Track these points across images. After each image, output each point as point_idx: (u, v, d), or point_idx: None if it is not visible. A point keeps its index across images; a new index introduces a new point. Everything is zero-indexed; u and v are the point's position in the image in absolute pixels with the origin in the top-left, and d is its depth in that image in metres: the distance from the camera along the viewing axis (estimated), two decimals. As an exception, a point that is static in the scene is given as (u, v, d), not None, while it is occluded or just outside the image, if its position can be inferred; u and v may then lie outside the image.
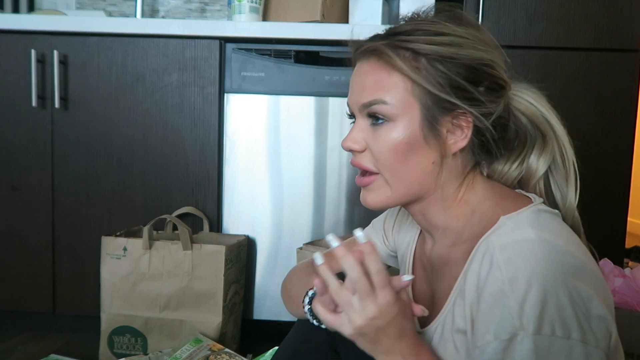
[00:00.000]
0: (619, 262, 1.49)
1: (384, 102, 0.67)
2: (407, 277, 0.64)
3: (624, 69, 1.49)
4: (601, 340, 0.59)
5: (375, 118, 0.69)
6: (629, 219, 1.56)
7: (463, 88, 0.66)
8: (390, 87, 0.68)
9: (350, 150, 0.72)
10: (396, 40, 0.68)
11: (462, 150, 0.69)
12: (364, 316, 0.61)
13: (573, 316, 0.58)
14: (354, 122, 0.74)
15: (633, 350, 1.23)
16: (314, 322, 0.80)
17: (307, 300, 0.79)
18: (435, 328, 0.71)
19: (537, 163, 0.74)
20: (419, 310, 0.65)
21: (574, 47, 1.49)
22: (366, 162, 0.71)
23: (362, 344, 0.64)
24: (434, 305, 0.74)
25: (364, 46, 0.71)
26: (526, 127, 0.73)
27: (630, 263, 2.37)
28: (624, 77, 1.49)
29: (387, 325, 0.62)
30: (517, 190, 0.74)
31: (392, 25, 0.73)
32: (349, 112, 0.75)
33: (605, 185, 1.51)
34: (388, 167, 0.69)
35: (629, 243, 2.07)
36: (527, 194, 0.72)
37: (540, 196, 0.72)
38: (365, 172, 0.72)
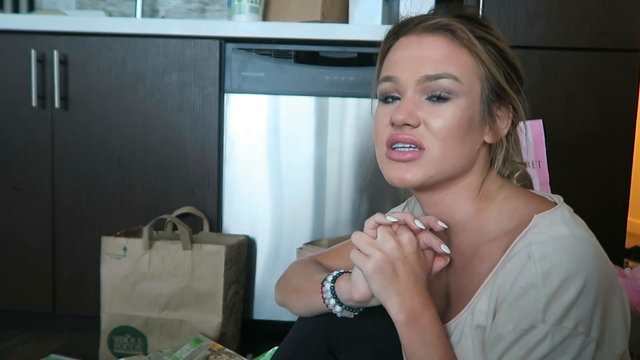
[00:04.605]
0: (619, 262, 1.49)
1: (454, 78, 0.67)
2: (445, 249, 0.67)
3: (624, 69, 1.49)
4: (613, 350, 0.61)
5: (438, 92, 0.67)
6: (629, 219, 1.56)
7: (511, 80, 0.71)
8: (460, 64, 0.68)
9: (403, 125, 0.68)
10: (468, 22, 0.69)
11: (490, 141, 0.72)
12: (384, 247, 0.65)
13: (598, 317, 0.59)
14: (391, 101, 0.71)
15: (633, 350, 1.23)
16: (334, 303, 0.74)
17: (330, 278, 0.74)
18: (455, 325, 0.70)
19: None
20: (442, 261, 0.69)
21: (574, 47, 1.49)
22: (419, 137, 0.68)
23: (379, 285, 0.64)
24: (450, 303, 0.74)
25: (431, 20, 0.70)
26: None
27: (630, 263, 2.37)
28: (624, 77, 1.49)
29: (405, 262, 0.64)
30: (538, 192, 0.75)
31: (432, 11, 0.73)
32: (389, 91, 0.71)
33: (605, 185, 1.51)
34: (444, 144, 0.67)
35: (629, 243, 2.07)
36: (547, 195, 0.72)
37: None
38: (408, 147, 0.69)
